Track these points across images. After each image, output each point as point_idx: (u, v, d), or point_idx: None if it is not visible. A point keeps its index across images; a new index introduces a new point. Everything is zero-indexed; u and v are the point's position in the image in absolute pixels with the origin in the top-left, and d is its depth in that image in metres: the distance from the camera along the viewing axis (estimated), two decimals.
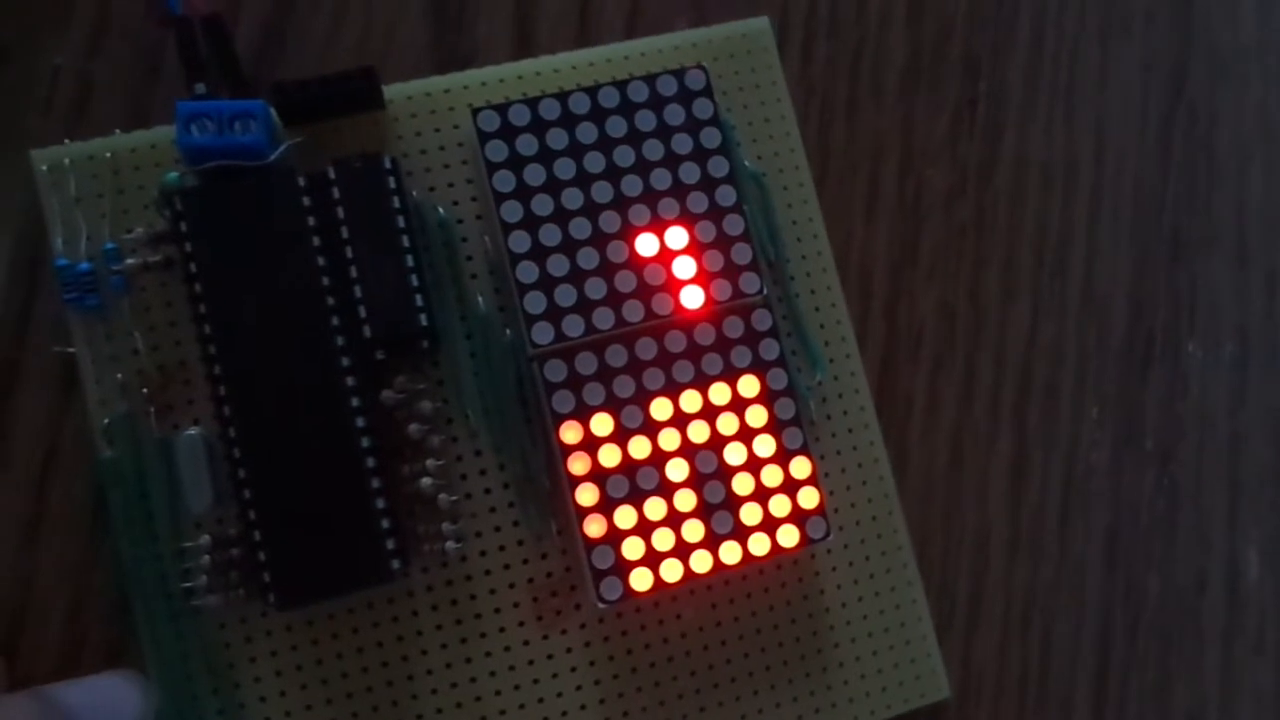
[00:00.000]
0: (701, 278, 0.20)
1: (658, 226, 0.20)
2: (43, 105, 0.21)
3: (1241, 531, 0.25)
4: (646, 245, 0.20)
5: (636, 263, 0.20)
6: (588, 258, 0.20)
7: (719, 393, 0.20)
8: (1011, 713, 0.23)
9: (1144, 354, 0.25)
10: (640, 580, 0.19)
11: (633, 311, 0.20)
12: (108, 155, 0.20)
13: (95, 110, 0.21)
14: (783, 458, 0.20)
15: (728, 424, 0.20)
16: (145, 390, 0.19)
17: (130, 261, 0.19)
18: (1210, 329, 0.26)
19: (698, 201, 0.20)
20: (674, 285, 0.20)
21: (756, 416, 0.20)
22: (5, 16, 0.22)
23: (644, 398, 0.20)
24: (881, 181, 0.24)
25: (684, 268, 0.20)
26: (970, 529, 0.23)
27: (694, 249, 0.20)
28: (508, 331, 0.20)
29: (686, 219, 0.20)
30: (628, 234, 0.20)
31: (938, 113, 0.25)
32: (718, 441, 0.20)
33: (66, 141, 0.20)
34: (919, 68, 0.25)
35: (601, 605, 0.19)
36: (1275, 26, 0.27)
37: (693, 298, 0.20)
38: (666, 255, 0.20)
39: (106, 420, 0.19)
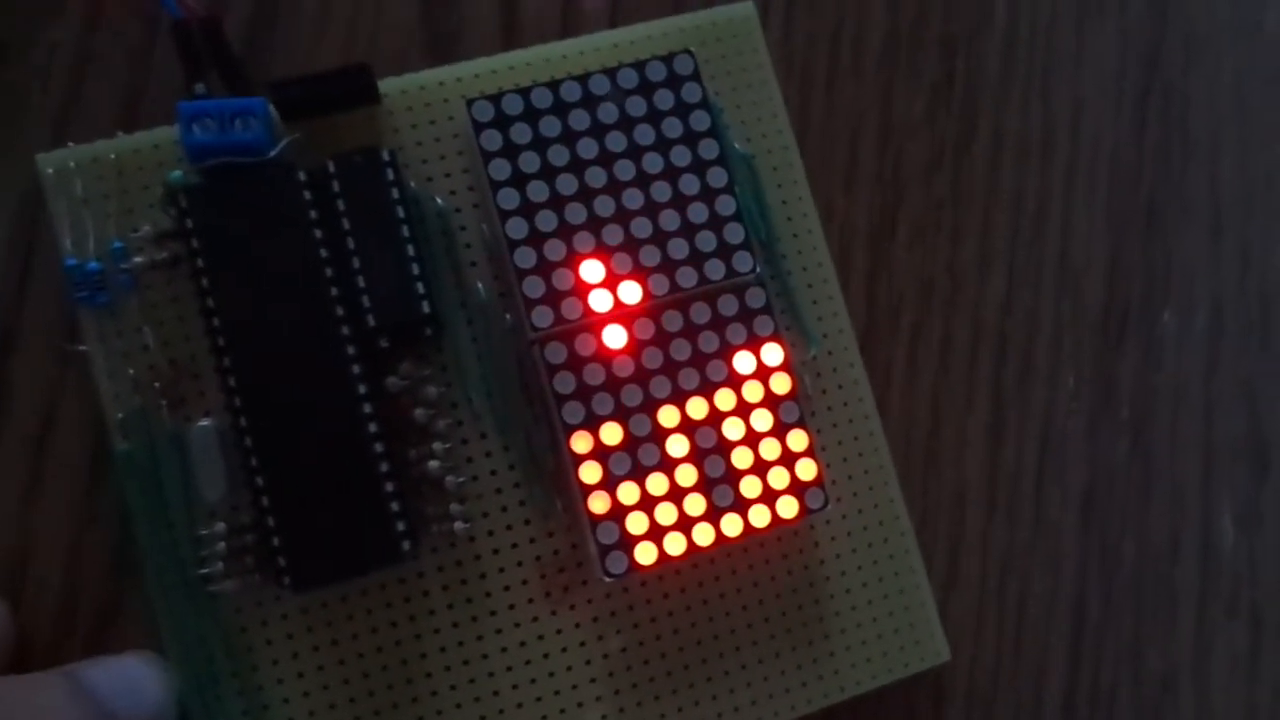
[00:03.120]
0: (695, 258, 0.21)
1: (651, 210, 0.21)
2: (34, 104, 0.21)
3: (1215, 497, 0.25)
4: (641, 228, 0.21)
5: (632, 244, 0.21)
6: (584, 241, 0.20)
7: (715, 370, 0.21)
8: (987, 672, 0.24)
9: (1119, 323, 0.25)
10: (644, 554, 0.20)
11: (630, 293, 0.20)
12: (112, 157, 0.20)
13: (86, 111, 0.21)
14: (780, 431, 0.21)
15: (725, 400, 0.21)
16: (157, 384, 0.20)
17: (137, 259, 0.20)
18: (1184, 300, 0.26)
19: (689, 184, 0.21)
20: (669, 266, 0.21)
21: (753, 392, 0.21)
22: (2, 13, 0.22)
23: (643, 377, 0.20)
24: (860, 155, 0.25)
25: (678, 248, 0.21)
26: (948, 492, 0.24)
27: (687, 231, 0.21)
28: (508, 316, 0.21)
29: (679, 201, 0.21)
30: (622, 218, 0.21)
31: (916, 89, 0.25)
32: (716, 417, 0.21)
33: (71, 144, 0.20)
34: (897, 45, 0.25)
35: (607, 579, 0.20)
36: (1248, 6, 0.27)
37: (687, 278, 0.21)
38: (661, 237, 0.21)
39: (120, 415, 0.20)
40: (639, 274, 0.21)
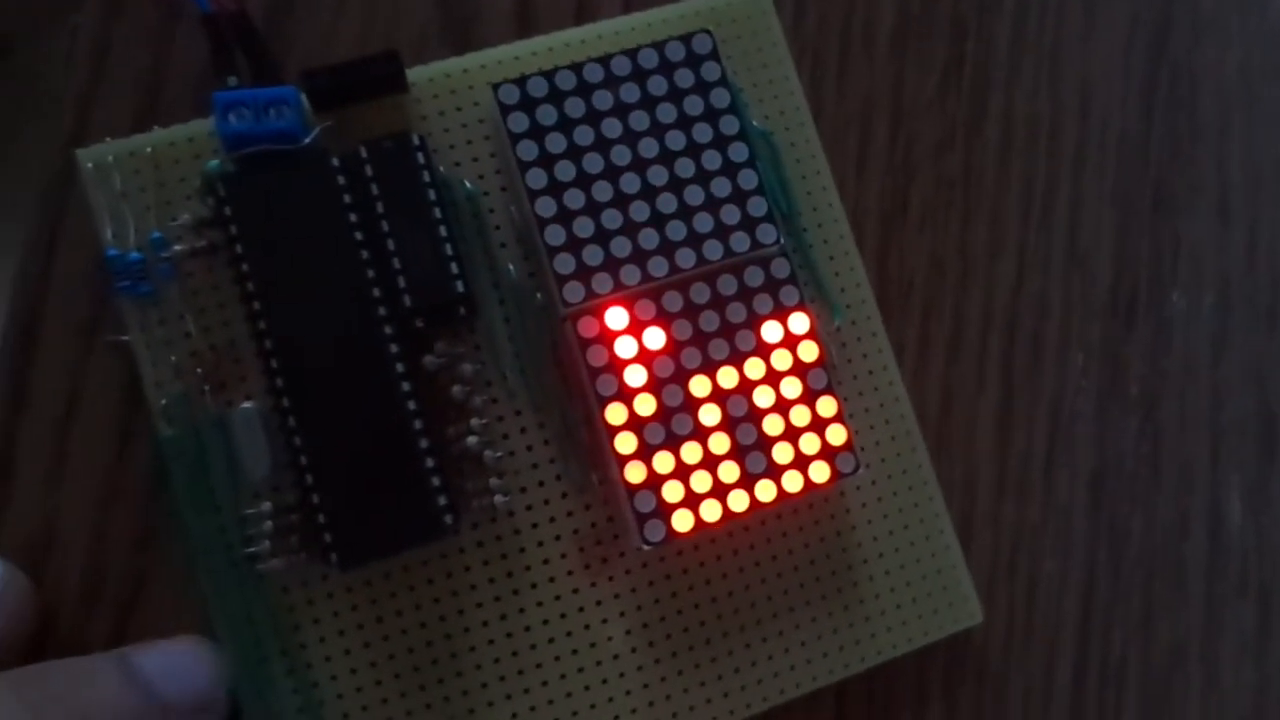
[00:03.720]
0: (720, 231, 0.21)
1: (676, 185, 0.21)
2: (54, 90, 0.22)
3: (1223, 477, 0.26)
4: (666, 203, 0.21)
5: (658, 220, 0.21)
6: (611, 218, 0.21)
7: (744, 339, 0.21)
8: (997, 649, 0.24)
9: (1128, 305, 0.26)
10: (681, 521, 0.20)
11: (658, 266, 0.21)
12: (149, 150, 0.21)
13: (107, 99, 0.22)
14: (809, 398, 0.21)
15: (754, 369, 0.21)
16: (199, 370, 0.20)
17: (177, 248, 0.20)
18: (1193, 281, 0.26)
19: (712, 159, 0.21)
20: (695, 239, 0.21)
21: (781, 360, 0.21)
22: (6, 10, 0.23)
23: (674, 348, 0.21)
24: (872, 136, 0.25)
25: (703, 222, 0.21)
26: (959, 472, 0.24)
27: (711, 205, 0.21)
28: (539, 295, 0.21)
29: (702, 177, 0.21)
30: (648, 194, 0.21)
31: (927, 71, 0.26)
32: (746, 386, 0.21)
33: (107, 140, 0.21)
34: (908, 28, 0.26)
35: (646, 548, 0.20)
36: None
37: (713, 251, 0.21)
38: (687, 211, 0.21)
39: (164, 401, 0.20)
40: (666, 248, 0.21)
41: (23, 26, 0.21)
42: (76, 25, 0.22)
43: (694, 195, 0.21)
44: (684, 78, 0.22)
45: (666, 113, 0.21)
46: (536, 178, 0.21)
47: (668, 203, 0.21)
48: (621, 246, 0.21)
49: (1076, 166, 0.26)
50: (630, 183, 0.21)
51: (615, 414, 0.20)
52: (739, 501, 0.21)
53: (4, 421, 0.21)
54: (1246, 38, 0.28)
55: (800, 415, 0.21)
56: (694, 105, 0.21)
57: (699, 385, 0.21)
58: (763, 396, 0.21)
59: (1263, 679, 0.25)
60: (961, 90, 0.26)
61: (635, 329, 0.21)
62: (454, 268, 0.20)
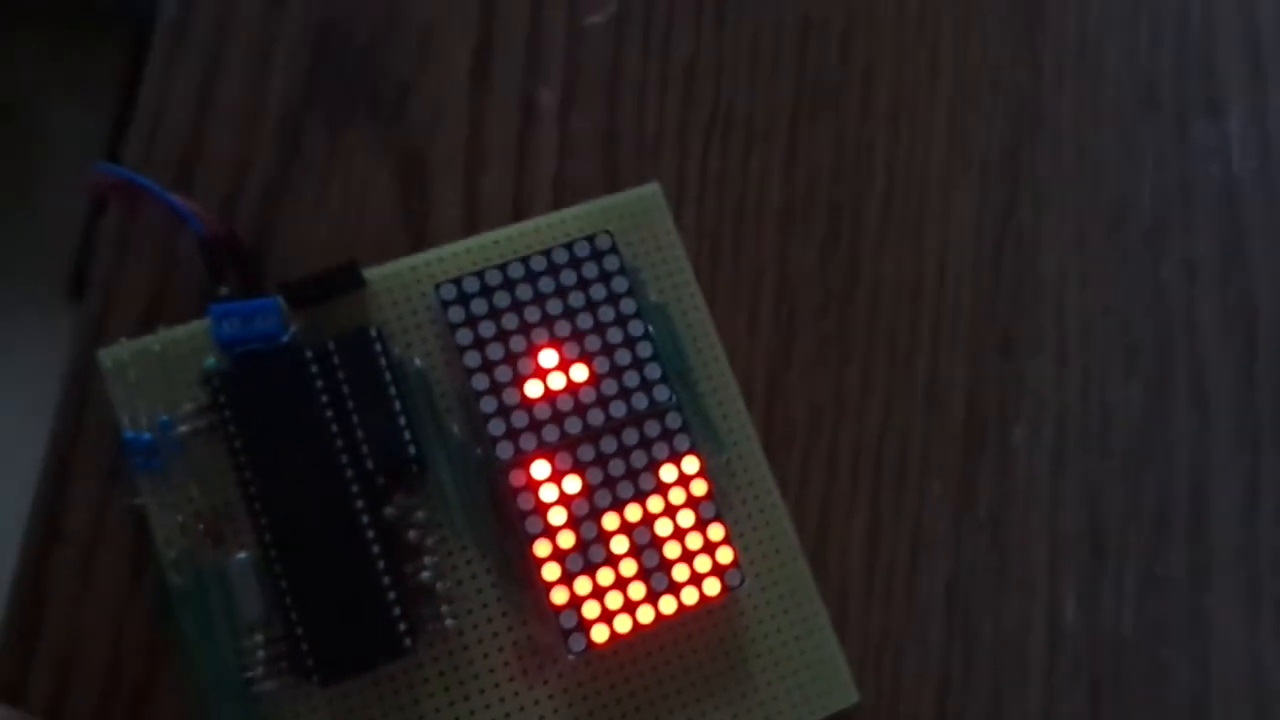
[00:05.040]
0: (623, 394, 0.26)
1: (586, 358, 0.26)
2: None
3: (1060, 580, 0.30)
4: (579, 373, 0.26)
5: (573, 387, 0.26)
6: (533, 388, 0.26)
7: (645, 480, 0.26)
8: None
9: (979, 438, 0.31)
10: (599, 634, 0.25)
11: (573, 425, 0.26)
12: (157, 348, 0.25)
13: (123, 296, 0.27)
14: (701, 525, 0.26)
15: (655, 504, 0.26)
16: (201, 528, 0.25)
17: (182, 429, 0.25)
18: (1034, 415, 0.31)
19: (615, 334, 0.26)
20: (603, 402, 0.26)
21: (677, 496, 0.26)
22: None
23: (588, 491, 0.26)
24: (760, 302, 0.30)
25: (609, 387, 0.26)
26: (833, 582, 0.29)
27: (615, 372, 0.26)
28: (478, 451, 0.26)
29: (608, 349, 0.26)
30: (564, 366, 0.26)
31: (808, 245, 0.31)
32: (649, 518, 0.26)
33: (123, 341, 0.25)
34: (792, 210, 0.31)
35: (571, 657, 0.25)
36: (1090, 163, 0.33)
37: (618, 409, 0.26)
38: (595, 379, 0.26)
39: (173, 555, 0.25)
40: (579, 409, 0.26)
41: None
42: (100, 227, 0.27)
43: (602, 365, 0.26)
44: (590, 270, 0.27)
45: (577, 299, 0.26)
46: (472, 358, 0.26)
47: (580, 372, 0.26)
48: (543, 411, 0.26)
49: (935, 321, 0.31)
50: (549, 359, 0.26)
51: (542, 548, 0.25)
52: (646, 615, 0.25)
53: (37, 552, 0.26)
54: (1079, 208, 0.33)
55: (694, 540, 0.26)
56: (599, 292, 0.27)
57: (610, 520, 0.26)
58: (662, 527, 0.26)
59: None
60: (837, 261, 0.31)
61: (556, 477, 0.26)
62: (407, 434, 0.25)
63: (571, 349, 0.26)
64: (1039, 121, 0.33)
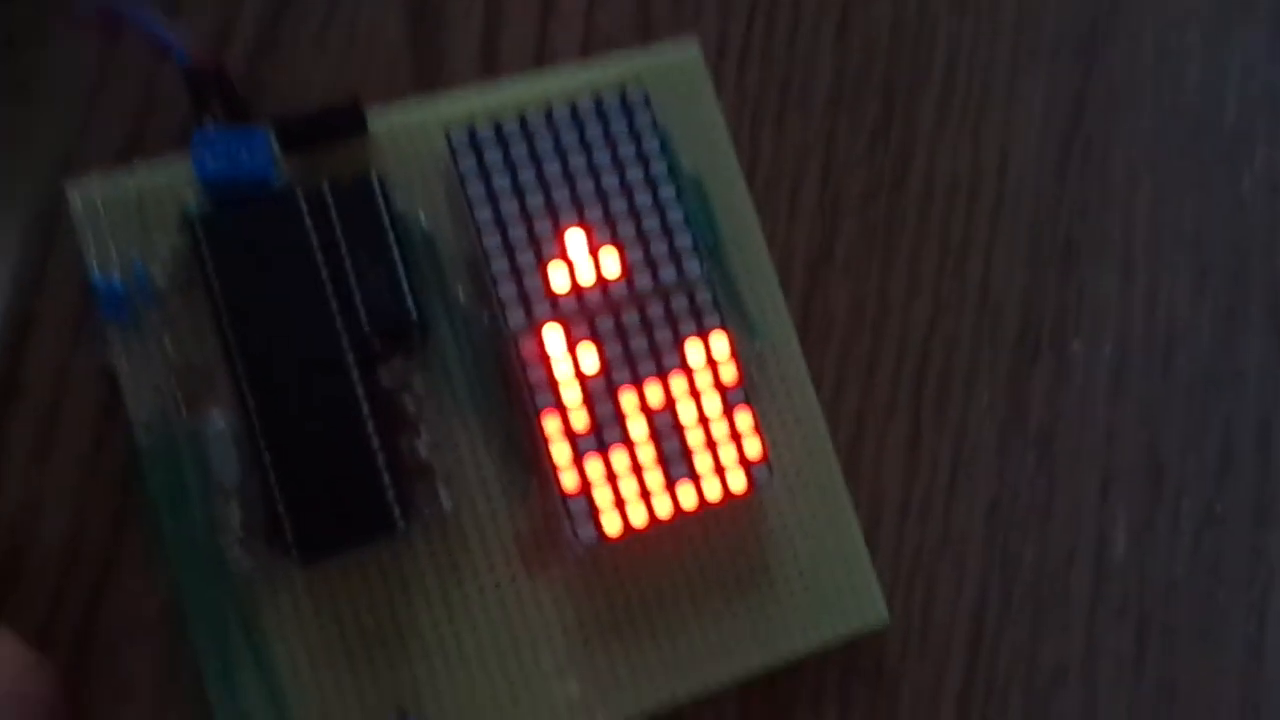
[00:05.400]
0: (650, 263, 0.24)
1: (611, 222, 0.24)
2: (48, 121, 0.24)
3: (1111, 510, 0.28)
4: (601, 235, 0.23)
5: (594, 252, 0.23)
6: (550, 249, 0.23)
7: (669, 359, 0.23)
8: (893, 662, 0.26)
9: (1033, 349, 0.28)
10: (611, 524, 0.23)
11: (593, 294, 0.23)
12: (132, 185, 0.23)
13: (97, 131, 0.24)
14: (728, 413, 0.23)
15: (679, 385, 0.23)
16: (176, 387, 0.23)
17: (158, 279, 0.22)
18: (1094, 330, 0.29)
19: (644, 197, 0.24)
20: (627, 270, 0.23)
21: (703, 378, 0.23)
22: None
23: (605, 367, 0.23)
24: (803, 185, 0.28)
25: (635, 254, 0.24)
26: (865, 495, 0.26)
27: (642, 240, 0.24)
28: (486, 319, 0.24)
29: (635, 214, 0.24)
30: (585, 229, 0.23)
31: (857, 130, 0.28)
32: (671, 401, 0.23)
33: (94, 174, 0.23)
34: (842, 91, 0.28)
35: (579, 548, 0.22)
36: (1170, 59, 0.30)
37: (643, 279, 0.23)
38: (619, 246, 0.24)
39: (143, 415, 0.22)
40: (600, 277, 0.23)
41: (21, 26, 0.23)
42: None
43: (627, 230, 0.24)
44: (618, 125, 0.24)
45: (602, 157, 0.24)
46: (484, 214, 0.23)
47: (603, 234, 0.24)
48: (560, 277, 0.23)
49: (992, 220, 0.28)
50: (568, 217, 0.23)
51: (551, 426, 0.23)
52: (663, 506, 0.23)
53: None
54: (1159, 109, 0.30)
55: (720, 428, 0.23)
56: (627, 150, 0.24)
57: (628, 400, 0.23)
58: (686, 411, 0.23)
59: (1136, 698, 0.27)
60: (889, 147, 0.28)
61: (571, 348, 0.23)
62: (408, 295, 0.23)
63: (594, 211, 0.24)
64: (1117, 11, 0.30)
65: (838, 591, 0.25)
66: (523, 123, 0.23)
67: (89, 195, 0.23)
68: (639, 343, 0.23)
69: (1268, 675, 0.28)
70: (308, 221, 0.23)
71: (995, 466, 0.28)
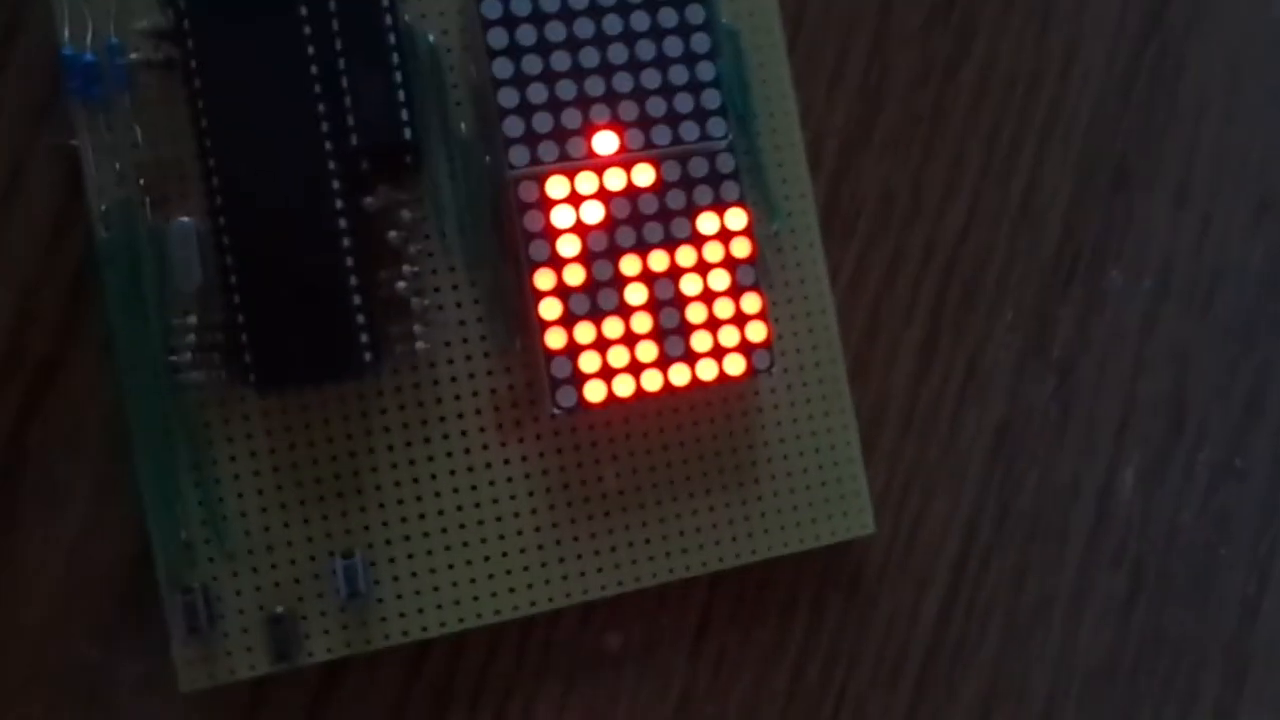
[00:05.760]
0: (671, 118, 0.21)
1: (634, 66, 0.21)
2: None
3: (1124, 447, 0.26)
4: (622, 82, 0.21)
5: (612, 98, 0.21)
6: (566, 89, 0.21)
7: (680, 226, 0.21)
8: (873, 570, 0.25)
9: (1067, 272, 0.26)
10: (594, 392, 0.21)
11: (605, 143, 0.21)
12: None
13: None
14: (735, 292, 0.22)
15: (686, 256, 0.21)
16: (142, 181, 0.21)
17: (133, 56, 0.20)
18: (1136, 260, 0.27)
19: (673, 46, 0.22)
20: (646, 122, 0.21)
21: (714, 252, 0.22)
22: None
23: (609, 225, 0.21)
24: (849, 58, 0.25)
25: (655, 107, 0.21)
26: (870, 399, 0.25)
27: (666, 91, 0.21)
28: (487, 156, 0.22)
29: (661, 62, 0.22)
30: (606, 72, 0.21)
31: (917, 4, 0.26)
32: (675, 271, 0.21)
33: None
34: None
35: (556, 412, 0.21)
36: None
37: (662, 135, 0.21)
38: (641, 94, 0.21)
39: (104, 206, 0.21)
40: (616, 126, 0.21)
41: None
42: None
43: (651, 79, 0.21)
44: None
45: None
46: (498, 38, 0.21)
47: (624, 82, 0.21)
48: (572, 118, 0.21)
49: (1046, 126, 0.26)
50: (589, 57, 0.21)
51: (544, 279, 0.21)
52: (652, 381, 0.21)
53: None
54: (1242, 28, 0.28)
55: (724, 308, 0.22)
56: None
57: (629, 264, 0.21)
58: (690, 284, 0.21)
59: (1119, 646, 0.26)
60: (948, 28, 0.26)
61: (574, 200, 0.21)
62: (405, 114, 0.21)
63: (618, 53, 0.21)
64: None
65: (825, 496, 0.23)
66: None
67: None
68: (649, 204, 0.21)
69: (1259, 636, 0.27)
70: (303, 15, 0.20)
71: (1009, 386, 0.26)
